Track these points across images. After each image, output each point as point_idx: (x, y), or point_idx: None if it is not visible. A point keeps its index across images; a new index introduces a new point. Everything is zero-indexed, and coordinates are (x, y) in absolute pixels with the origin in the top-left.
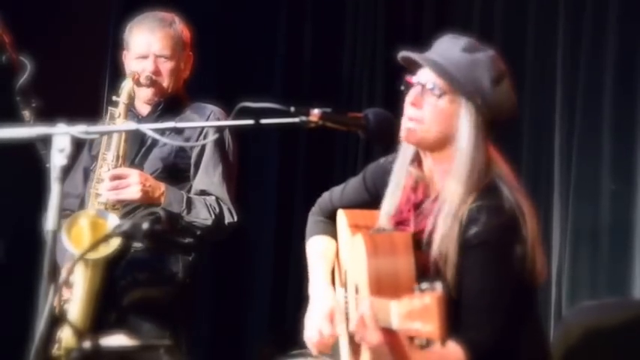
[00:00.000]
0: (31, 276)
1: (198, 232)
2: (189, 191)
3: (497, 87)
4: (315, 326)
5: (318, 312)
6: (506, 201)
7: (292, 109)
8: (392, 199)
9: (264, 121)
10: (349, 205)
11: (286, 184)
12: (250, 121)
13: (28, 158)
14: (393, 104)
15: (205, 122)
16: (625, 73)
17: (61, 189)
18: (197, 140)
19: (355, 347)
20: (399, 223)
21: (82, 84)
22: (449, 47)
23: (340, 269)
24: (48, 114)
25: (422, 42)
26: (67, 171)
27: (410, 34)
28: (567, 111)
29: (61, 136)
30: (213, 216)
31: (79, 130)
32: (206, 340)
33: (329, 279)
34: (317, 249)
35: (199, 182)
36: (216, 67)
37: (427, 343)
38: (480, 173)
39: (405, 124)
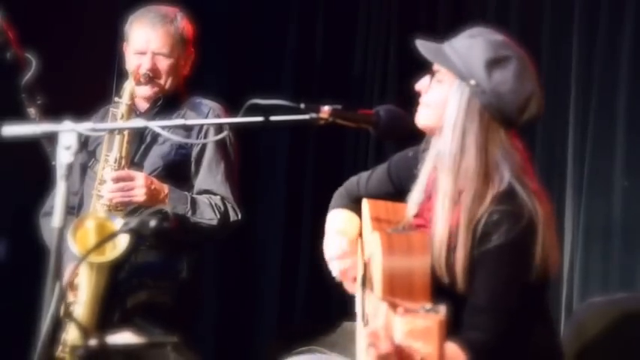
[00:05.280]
0: (36, 275)
1: (204, 232)
2: (190, 189)
3: (493, 70)
4: (335, 244)
5: (331, 228)
6: (525, 206)
7: (302, 105)
8: (415, 197)
9: (273, 118)
10: (374, 195)
11: (296, 181)
12: (260, 118)
13: (33, 156)
14: (405, 101)
15: (215, 119)
16: (639, 70)
17: (67, 187)
18: (198, 135)
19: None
20: (421, 225)
21: (88, 81)
22: (461, 35)
23: (363, 254)
24: (54, 111)
25: (435, 39)
26: (71, 168)
27: (424, 30)
28: (581, 108)
29: (67, 133)
30: (218, 215)
31: (86, 127)
32: (214, 337)
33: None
34: (339, 218)
35: (202, 182)
36: (227, 64)
37: None
38: (477, 165)
39: (418, 109)
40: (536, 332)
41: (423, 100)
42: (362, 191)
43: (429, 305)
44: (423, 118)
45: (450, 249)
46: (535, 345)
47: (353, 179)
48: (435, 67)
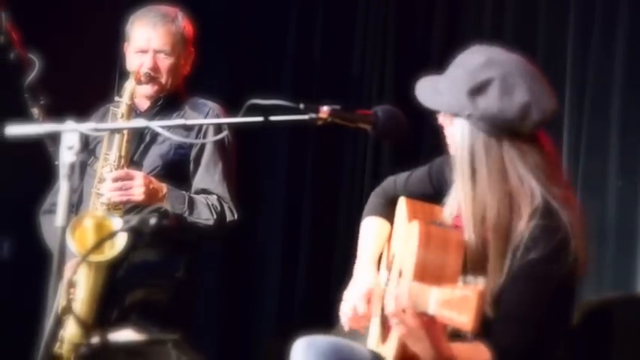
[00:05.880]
0: (38, 274)
1: (200, 232)
2: (189, 189)
3: (476, 99)
4: (351, 303)
5: (357, 290)
6: (561, 220)
7: (302, 106)
8: (450, 202)
9: (273, 118)
10: (412, 194)
11: (295, 181)
12: (260, 118)
13: (37, 156)
14: (403, 101)
15: (215, 120)
16: (633, 73)
17: (70, 186)
18: (197, 135)
19: (385, 331)
20: (458, 226)
21: (91, 81)
22: (451, 65)
23: (389, 252)
24: (56, 111)
25: (432, 40)
26: (73, 168)
27: (420, 32)
28: (576, 109)
29: (70, 133)
30: (214, 216)
31: (88, 127)
32: (215, 335)
33: (375, 261)
34: (370, 230)
35: (200, 181)
36: (227, 65)
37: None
38: (494, 197)
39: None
40: (560, 347)
41: (446, 133)
42: (400, 190)
43: (469, 278)
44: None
45: (484, 259)
46: None
47: (390, 179)
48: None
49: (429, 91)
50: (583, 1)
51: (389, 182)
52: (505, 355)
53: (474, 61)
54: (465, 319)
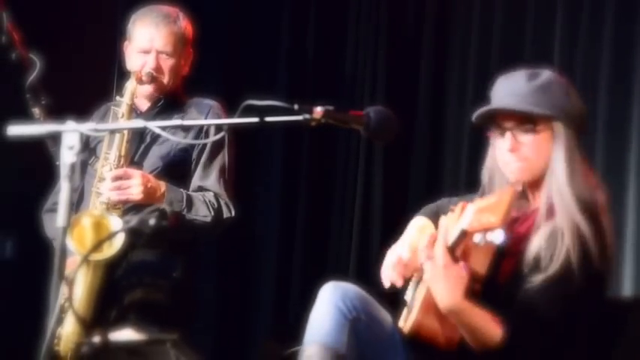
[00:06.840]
0: (40, 273)
1: (198, 229)
2: (188, 189)
3: (570, 97)
4: (396, 251)
5: (403, 241)
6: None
7: (296, 106)
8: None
9: (268, 118)
10: None
11: (290, 181)
12: (255, 119)
13: (39, 155)
14: (394, 102)
15: (211, 120)
16: (619, 74)
17: (70, 186)
18: (198, 136)
19: (409, 313)
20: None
21: (91, 82)
22: (512, 84)
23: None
24: (57, 111)
25: (422, 41)
26: (74, 168)
27: (411, 32)
28: None
29: (70, 133)
30: (212, 213)
31: (88, 127)
32: (212, 335)
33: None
34: (417, 221)
35: (197, 178)
36: (222, 66)
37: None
38: (584, 186)
39: (514, 165)
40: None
41: (517, 157)
42: (443, 209)
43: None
44: (524, 171)
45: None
46: None
47: (445, 199)
48: (511, 124)
49: (517, 98)
50: (570, 2)
51: (442, 201)
52: (515, 339)
53: (546, 71)
54: (495, 218)
